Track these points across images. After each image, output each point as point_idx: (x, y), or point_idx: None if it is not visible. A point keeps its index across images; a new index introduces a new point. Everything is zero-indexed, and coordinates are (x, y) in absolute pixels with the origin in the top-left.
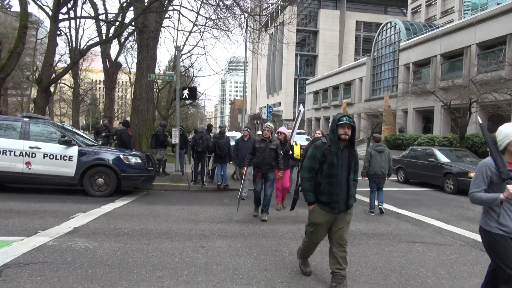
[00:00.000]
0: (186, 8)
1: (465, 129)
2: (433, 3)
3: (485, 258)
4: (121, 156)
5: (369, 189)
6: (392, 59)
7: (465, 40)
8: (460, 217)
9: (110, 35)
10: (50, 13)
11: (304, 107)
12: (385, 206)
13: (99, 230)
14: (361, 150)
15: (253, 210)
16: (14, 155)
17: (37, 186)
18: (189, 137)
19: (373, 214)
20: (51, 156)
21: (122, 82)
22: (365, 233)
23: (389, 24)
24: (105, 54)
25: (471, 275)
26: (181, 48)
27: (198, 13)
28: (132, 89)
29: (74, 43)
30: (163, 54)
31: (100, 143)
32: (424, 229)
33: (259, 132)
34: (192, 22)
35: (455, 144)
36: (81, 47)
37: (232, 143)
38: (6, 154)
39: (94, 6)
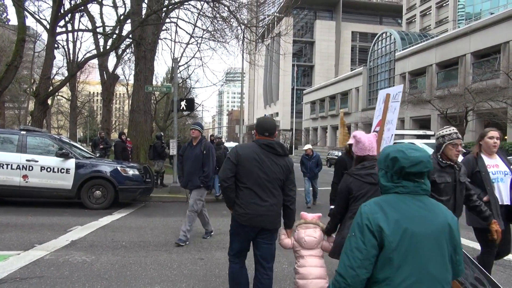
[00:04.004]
0: (183, 20)
1: (462, 137)
2: (428, 13)
3: None
4: (119, 168)
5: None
6: (388, 68)
7: (460, 49)
8: (459, 225)
9: (108, 47)
10: (48, 27)
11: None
12: None
13: (97, 243)
14: None
15: None
16: (11, 168)
17: (34, 199)
18: None
19: None
20: (48, 169)
21: (120, 94)
22: None
23: (384, 34)
24: (103, 67)
25: None
26: (178, 59)
27: (195, 25)
28: (130, 101)
29: (71, 55)
30: (161, 66)
31: (97, 155)
32: None
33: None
34: (189, 34)
35: None
36: (79, 60)
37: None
38: (3, 168)
39: (91, 19)
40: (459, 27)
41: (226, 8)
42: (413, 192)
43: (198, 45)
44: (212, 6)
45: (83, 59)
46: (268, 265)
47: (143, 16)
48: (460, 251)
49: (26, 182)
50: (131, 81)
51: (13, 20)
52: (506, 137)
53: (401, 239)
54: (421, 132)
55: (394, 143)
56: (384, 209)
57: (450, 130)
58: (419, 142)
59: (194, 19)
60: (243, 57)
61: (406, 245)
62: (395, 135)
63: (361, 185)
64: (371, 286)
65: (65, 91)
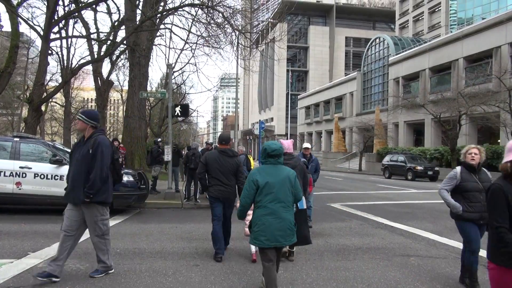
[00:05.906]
0: (178, 26)
1: (455, 141)
2: (420, 18)
3: (480, 270)
4: None
5: (364, 202)
6: (382, 73)
7: (453, 54)
8: (454, 229)
9: (102, 53)
10: (42, 33)
11: None
12: (379, 219)
13: (91, 251)
14: (352, 164)
15: None
16: (4, 175)
17: (28, 206)
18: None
19: None
20: (42, 176)
21: (114, 100)
22: (360, 248)
23: (378, 40)
24: (97, 73)
25: None
26: (172, 65)
27: (189, 31)
28: (124, 107)
29: (65, 62)
30: (155, 72)
31: None
32: (418, 242)
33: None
34: (184, 40)
35: (446, 156)
36: (73, 66)
37: None
38: None
39: (85, 25)
40: (451, 32)
41: (220, 14)
42: (273, 163)
43: (193, 51)
44: (206, 12)
45: (77, 65)
46: (229, 217)
47: (137, 22)
48: (296, 187)
49: (19, 189)
50: (126, 87)
51: (7, 27)
52: (499, 140)
53: (265, 184)
54: None
55: None
56: (259, 171)
57: None
58: None
59: (188, 25)
60: (237, 62)
61: (267, 187)
62: None
63: None
64: (255, 204)
65: (59, 97)
